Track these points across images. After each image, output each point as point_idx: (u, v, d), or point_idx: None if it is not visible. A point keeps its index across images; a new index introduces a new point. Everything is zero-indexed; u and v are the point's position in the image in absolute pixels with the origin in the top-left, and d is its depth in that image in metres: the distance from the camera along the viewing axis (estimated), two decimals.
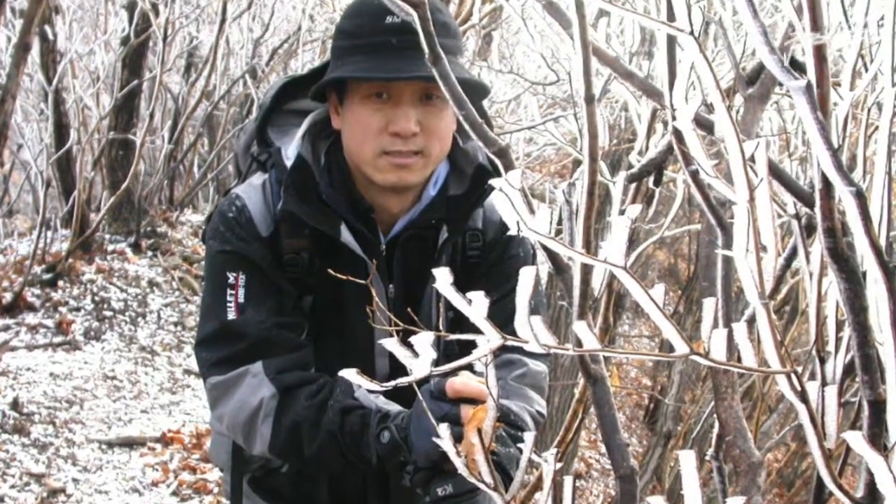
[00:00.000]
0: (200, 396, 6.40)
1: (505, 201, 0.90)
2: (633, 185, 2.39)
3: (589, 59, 1.01)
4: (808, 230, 1.26)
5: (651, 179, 1.98)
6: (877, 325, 0.94)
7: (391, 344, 0.96)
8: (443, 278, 0.90)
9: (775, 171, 1.13)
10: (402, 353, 0.96)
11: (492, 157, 1.19)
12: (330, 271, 1.71)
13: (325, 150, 2.01)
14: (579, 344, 0.90)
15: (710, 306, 0.90)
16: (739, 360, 0.89)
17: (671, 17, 1.01)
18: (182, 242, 9.21)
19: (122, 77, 8.58)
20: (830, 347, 1.10)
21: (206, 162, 10.60)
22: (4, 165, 9.51)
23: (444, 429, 1.20)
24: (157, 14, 7.72)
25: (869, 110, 1.23)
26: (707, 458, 1.35)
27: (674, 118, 1.06)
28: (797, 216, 1.24)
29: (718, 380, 1.28)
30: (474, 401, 1.64)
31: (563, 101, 5.44)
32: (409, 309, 1.56)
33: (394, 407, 1.85)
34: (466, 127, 1.15)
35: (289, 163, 1.95)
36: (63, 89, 7.61)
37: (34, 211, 8.83)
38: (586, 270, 1.10)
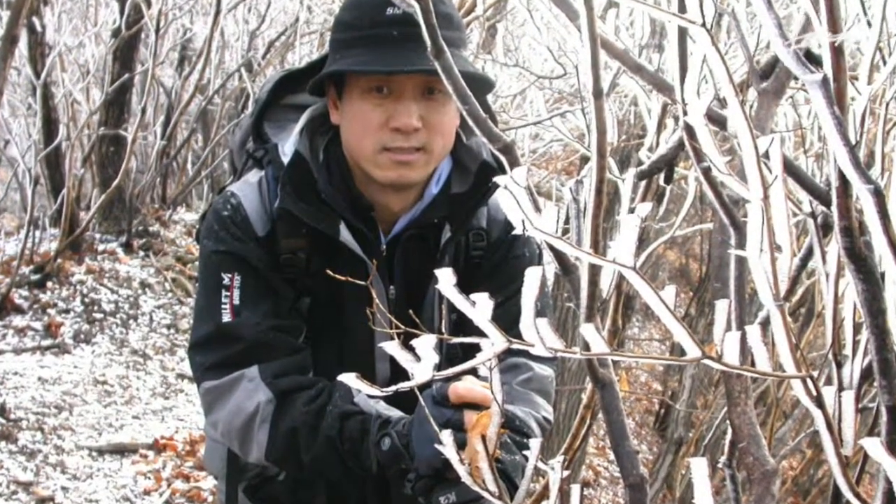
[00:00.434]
0: (194, 402, 6.41)
1: (510, 199, 0.90)
2: (643, 183, 2.39)
3: (597, 51, 1.01)
4: (825, 229, 1.26)
5: (661, 177, 1.98)
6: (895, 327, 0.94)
7: (392, 347, 0.96)
8: (445, 279, 0.91)
9: (790, 168, 1.13)
10: (403, 357, 0.96)
11: (496, 153, 1.20)
12: (328, 272, 1.71)
13: (324, 147, 2.02)
14: (587, 347, 0.90)
15: (722, 308, 0.90)
16: (753, 364, 0.89)
17: (682, 8, 1.01)
18: (175, 242, 9.21)
19: (112, 70, 8.56)
20: (847, 351, 1.10)
21: (200, 159, 10.59)
22: None
23: (446, 435, 1.20)
24: (149, 5, 7.71)
25: (887, 105, 1.23)
26: (719, 465, 1.35)
27: (685, 113, 1.07)
28: (813, 215, 1.24)
29: (731, 384, 1.28)
30: (478, 406, 1.64)
31: (570, 95, 5.44)
32: (410, 311, 1.56)
33: (395, 413, 1.85)
34: (470, 122, 1.15)
35: (286, 159, 1.95)
36: (52, 83, 7.61)
37: (22, 209, 8.83)
38: (594, 271, 1.10)
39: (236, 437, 1.93)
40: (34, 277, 7.41)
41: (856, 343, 1.10)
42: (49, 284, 7.43)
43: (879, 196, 0.86)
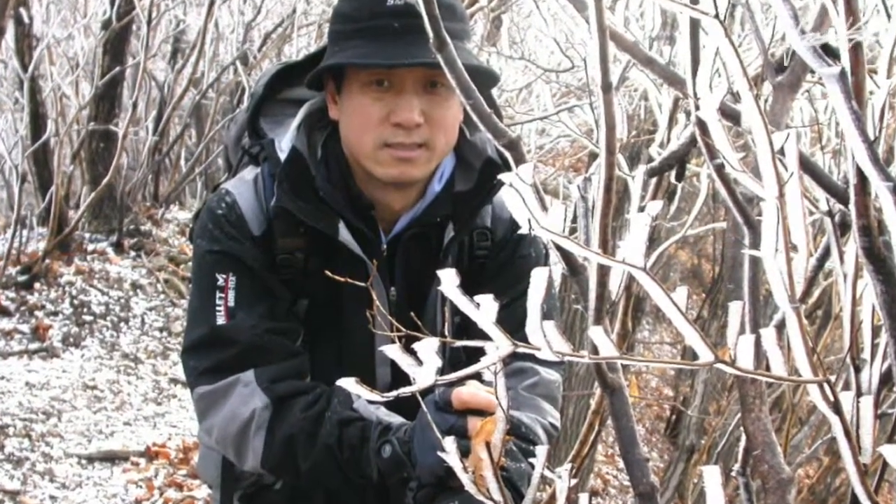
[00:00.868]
0: (187, 407, 6.41)
1: (515, 197, 0.90)
2: (654, 180, 2.39)
3: (606, 44, 1.01)
4: (842, 228, 1.26)
5: (673, 174, 1.98)
6: None
7: (393, 351, 0.96)
8: (448, 280, 0.91)
9: (807, 165, 1.13)
10: (404, 361, 0.96)
11: (501, 149, 1.20)
12: (327, 273, 1.71)
13: (322, 143, 2.02)
14: (595, 351, 0.90)
15: (736, 310, 0.90)
16: (768, 368, 0.89)
17: None
18: (168, 242, 9.21)
19: (103, 64, 8.56)
20: (866, 355, 1.10)
21: (194, 155, 10.59)
22: None
23: (449, 442, 1.21)
24: None
25: None
26: (733, 474, 1.35)
27: (697, 108, 1.07)
28: (830, 213, 1.24)
29: (745, 390, 1.28)
30: (482, 412, 1.64)
31: (578, 89, 5.44)
32: (412, 313, 1.56)
33: (396, 419, 1.86)
34: (474, 117, 1.16)
35: (282, 156, 1.95)
36: (40, 77, 7.62)
37: (8, 208, 8.83)
38: (603, 272, 1.10)
39: (231, 444, 1.93)
40: (21, 278, 7.41)
41: (874, 346, 1.10)
42: (37, 286, 7.43)
43: None
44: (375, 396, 0.99)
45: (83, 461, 5.51)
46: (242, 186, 1.99)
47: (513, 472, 1.69)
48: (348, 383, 0.99)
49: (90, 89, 8.72)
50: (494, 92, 2.13)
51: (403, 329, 1.03)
